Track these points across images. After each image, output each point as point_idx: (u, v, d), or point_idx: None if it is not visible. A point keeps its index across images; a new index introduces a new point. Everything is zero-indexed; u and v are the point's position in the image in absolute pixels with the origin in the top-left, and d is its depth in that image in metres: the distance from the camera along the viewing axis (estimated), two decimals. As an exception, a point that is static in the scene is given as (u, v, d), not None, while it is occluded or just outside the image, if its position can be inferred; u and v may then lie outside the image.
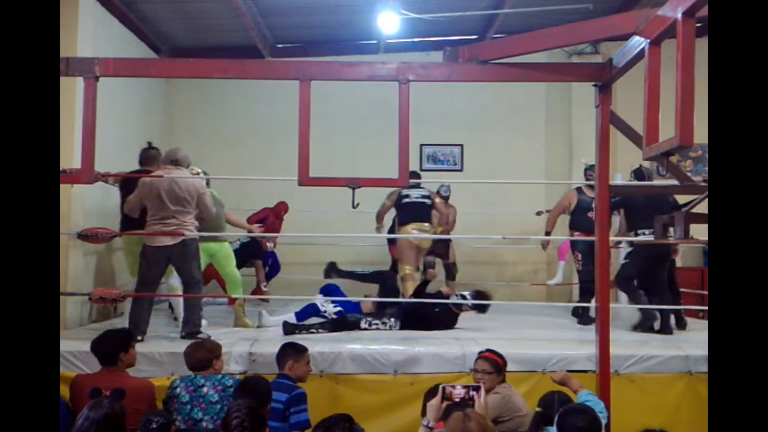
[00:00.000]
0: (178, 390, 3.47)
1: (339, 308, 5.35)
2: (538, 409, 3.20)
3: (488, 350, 3.72)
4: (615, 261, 6.20)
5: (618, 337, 4.13)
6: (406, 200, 6.29)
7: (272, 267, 7.14)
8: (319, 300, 5.41)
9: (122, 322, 4.71)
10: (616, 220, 6.05)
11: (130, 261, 5.13)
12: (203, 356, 3.63)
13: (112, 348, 3.56)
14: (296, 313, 5.26)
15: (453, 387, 2.89)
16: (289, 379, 3.61)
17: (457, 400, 2.84)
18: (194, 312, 4.61)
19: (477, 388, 2.90)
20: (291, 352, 3.73)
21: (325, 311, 5.29)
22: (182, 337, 4.52)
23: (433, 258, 6.62)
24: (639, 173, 5.63)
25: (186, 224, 4.64)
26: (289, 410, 3.43)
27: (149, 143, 5.26)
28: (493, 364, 3.61)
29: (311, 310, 5.31)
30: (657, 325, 5.15)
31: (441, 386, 2.89)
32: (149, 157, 5.09)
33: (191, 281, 4.68)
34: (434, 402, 2.83)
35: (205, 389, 3.46)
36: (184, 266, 4.66)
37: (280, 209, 7.05)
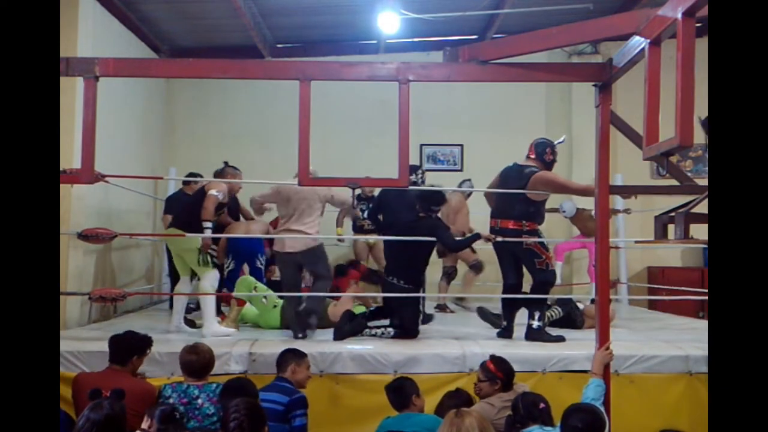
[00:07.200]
0: (170, 400, 3.35)
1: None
2: (509, 413, 3.17)
3: (491, 356, 3.67)
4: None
5: (618, 337, 4.12)
6: None
7: None
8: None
9: (124, 322, 4.70)
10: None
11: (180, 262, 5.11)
12: (206, 361, 3.50)
13: (128, 350, 3.55)
14: None
15: None
16: (289, 383, 3.60)
17: None
18: (313, 301, 4.91)
19: None
20: (292, 357, 3.72)
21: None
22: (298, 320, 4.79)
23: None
24: None
25: (308, 228, 4.89)
26: (292, 413, 3.40)
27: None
28: (487, 372, 3.57)
29: None
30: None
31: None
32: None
33: (317, 278, 5.12)
34: None
35: (199, 401, 3.34)
36: (312, 268, 5.16)
37: None
